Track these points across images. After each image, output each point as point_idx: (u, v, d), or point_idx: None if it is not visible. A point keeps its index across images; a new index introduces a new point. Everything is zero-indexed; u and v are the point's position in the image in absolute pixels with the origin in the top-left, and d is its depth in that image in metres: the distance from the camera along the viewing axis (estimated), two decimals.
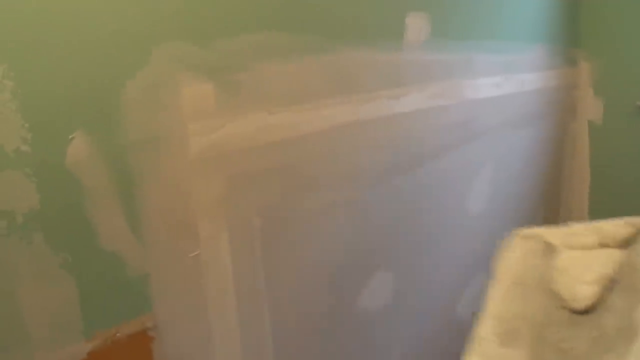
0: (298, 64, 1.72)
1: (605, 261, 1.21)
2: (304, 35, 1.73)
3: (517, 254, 1.42)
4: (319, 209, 1.86)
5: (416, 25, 2.03)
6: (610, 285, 1.18)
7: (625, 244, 1.23)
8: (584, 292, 1.20)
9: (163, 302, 1.52)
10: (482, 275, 2.60)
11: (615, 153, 3.03)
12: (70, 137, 1.30)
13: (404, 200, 2.13)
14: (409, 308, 2.26)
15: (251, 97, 1.63)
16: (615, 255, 1.21)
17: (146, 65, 1.39)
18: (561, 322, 1.23)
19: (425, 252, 2.29)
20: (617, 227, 1.26)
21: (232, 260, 1.65)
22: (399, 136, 2.06)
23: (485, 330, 1.29)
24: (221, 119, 1.56)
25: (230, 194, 1.61)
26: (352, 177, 1.93)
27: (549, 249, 1.36)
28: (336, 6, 1.80)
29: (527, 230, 1.47)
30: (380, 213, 2.06)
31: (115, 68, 1.35)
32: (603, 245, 1.25)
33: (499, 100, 2.46)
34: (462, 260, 2.49)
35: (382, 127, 1.99)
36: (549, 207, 3.03)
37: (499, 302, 1.34)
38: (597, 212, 3.14)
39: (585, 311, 1.20)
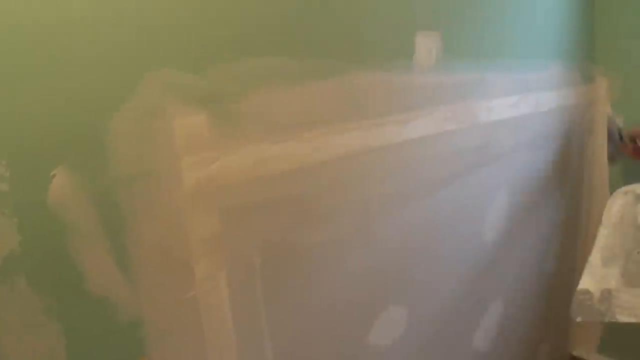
0: (301, 89, 1.63)
1: None
2: (306, 59, 1.64)
3: (618, 203, 1.98)
4: (325, 243, 1.76)
5: (426, 45, 1.94)
6: None
7: None
8: None
9: (158, 348, 1.42)
10: (498, 304, 2.51)
11: (635, 173, 2.94)
12: (51, 173, 1.21)
13: (416, 230, 2.03)
14: (423, 341, 2.16)
15: (250, 126, 1.53)
16: None
17: (135, 95, 1.30)
18: None
19: (440, 283, 2.19)
20: None
21: (230, 301, 1.55)
22: (409, 163, 1.96)
23: (594, 257, 1.86)
24: (217, 150, 1.46)
25: (228, 230, 1.51)
26: (360, 209, 1.84)
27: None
28: (341, 27, 1.72)
29: (624, 188, 2.03)
30: (391, 244, 1.96)
31: (102, 98, 1.25)
32: None
33: (515, 122, 2.37)
34: (478, 289, 2.39)
35: (392, 153, 1.89)
36: (568, 228, 2.93)
37: (604, 238, 1.91)
38: None
39: None
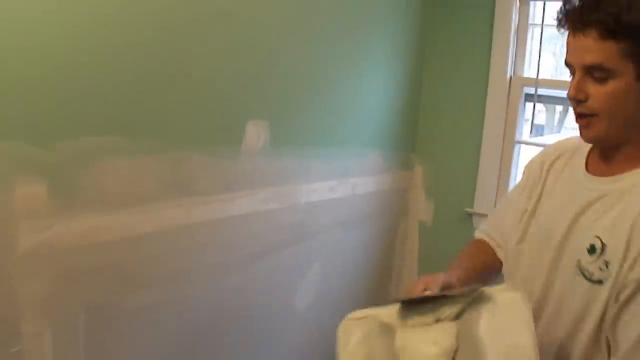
0: (135, 166, 1.77)
1: (445, 334, 1.33)
2: (142, 139, 1.77)
3: (357, 336, 1.43)
4: (145, 307, 1.87)
5: (255, 132, 2.12)
6: (453, 353, 1.30)
7: (457, 317, 1.35)
8: None
9: None
10: None
11: (443, 253, 3.17)
12: None
13: (232, 298, 2.17)
14: None
15: (86, 197, 1.65)
16: (452, 328, 1.33)
17: None
18: None
19: (255, 347, 2.33)
20: (449, 305, 1.36)
21: (54, 357, 1.63)
22: (230, 237, 2.11)
23: None
24: (53, 218, 1.57)
25: (56, 291, 1.60)
26: (179, 276, 1.96)
27: (387, 329, 1.40)
28: (176, 111, 1.87)
29: (359, 312, 1.47)
30: (208, 311, 2.09)
31: None
32: (439, 320, 1.36)
33: (331, 203, 2.58)
34: (293, 351, 2.55)
35: (214, 229, 2.04)
36: (378, 301, 3.13)
37: None
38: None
39: None
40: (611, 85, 1.27)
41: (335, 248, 2.70)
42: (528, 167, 1.65)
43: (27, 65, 1.49)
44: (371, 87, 2.75)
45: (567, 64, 1.35)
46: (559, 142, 1.63)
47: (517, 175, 3.07)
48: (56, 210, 1.58)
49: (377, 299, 3.11)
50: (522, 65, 3.00)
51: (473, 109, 3.05)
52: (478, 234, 1.84)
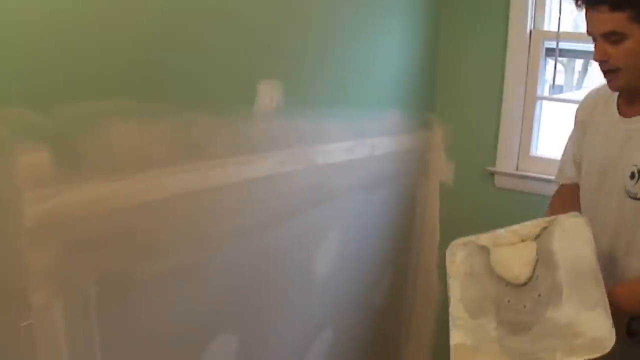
0: (144, 130, 1.71)
1: (528, 249, 1.76)
2: (150, 102, 1.72)
3: (460, 255, 1.87)
4: (161, 275, 1.84)
5: (268, 92, 2.06)
6: (535, 263, 1.73)
7: (537, 236, 1.78)
8: (521, 272, 1.72)
9: None
10: (328, 332, 2.65)
11: (465, 213, 3.16)
12: None
13: (250, 263, 2.14)
14: None
15: (93, 164, 1.60)
16: (533, 245, 1.76)
17: None
18: (510, 293, 1.73)
19: (271, 314, 2.30)
20: (529, 227, 1.81)
21: (66, 330, 1.59)
22: (247, 201, 2.07)
23: (458, 310, 1.75)
24: (59, 187, 1.52)
25: (66, 262, 1.56)
26: (196, 243, 1.93)
27: (483, 249, 1.83)
28: (184, 73, 1.81)
29: (461, 240, 1.91)
30: (226, 276, 2.06)
31: None
32: (523, 240, 1.80)
33: (349, 165, 2.53)
34: (309, 319, 2.52)
35: (230, 193, 2.00)
36: (399, 265, 3.12)
37: (460, 290, 1.80)
38: (446, 269, 3.25)
39: (525, 283, 1.71)
40: (626, 45, 1.65)
41: (355, 211, 2.66)
42: (580, 110, 2.05)
43: (25, 26, 1.43)
44: (387, 44, 2.68)
45: (589, 33, 1.72)
46: (595, 92, 2.02)
47: (539, 131, 3.01)
48: (61, 178, 1.53)
49: (398, 262, 3.09)
50: (542, 18, 2.91)
51: (492, 65, 2.98)
52: (560, 179, 2.17)
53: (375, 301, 2.97)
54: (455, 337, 1.70)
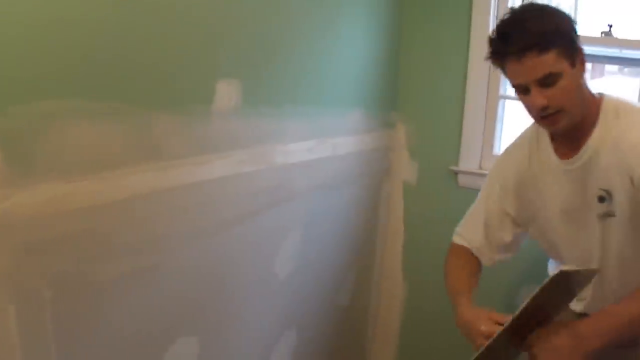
0: (99, 130, 1.67)
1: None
2: (106, 102, 1.67)
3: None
4: (118, 277, 1.79)
5: (226, 92, 2.03)
6: None
7: None
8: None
9: None
10: (292, 333, 2.64)
11: (429, 213, 3.17)
12: None
13: (209, 265, 2.11)
14: None
15: (47, 165, 1.55)
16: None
17: None
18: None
19: (232, 315, 2.27)
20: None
21: (20, 335, 1.53)
22: (205, 202, 2.04)
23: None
24: (11, 188, 1.47)
25: (19, 266, 1.51)
26: (154, 244, 1.88)
27: None
28: (142, 71, 1.77)
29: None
30: (185, 277, 2.02)
31: None
32: None
33: (311, 165, 2.51)
34: (271, 320, 2.50)
35: (188, 193, 1.96)
36: (363, 265, 3.11)
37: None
38: (411, 266, 3.26)
39: None
40: (562, 83, 1.64)
41: (316, 211, 2.63)
42: (502, 171, 2.05)
43: None
44: (348, 42, 2.66)
45: (517, 86, 1.72)
46: (521, 140, 2.02)
47: (502, 131, 3.03)
48: (14, 179, 1.48)
49: (362, 262, 3.08)
50: None
51: (455, 64, 2.99)
52: (457, 240, 2.16)
53: (340, 301, 2.96)
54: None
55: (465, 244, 2.11)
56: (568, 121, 1.70)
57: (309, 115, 2.46)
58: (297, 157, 2.42)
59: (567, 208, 1.86)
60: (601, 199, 1.76)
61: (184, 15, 1.87)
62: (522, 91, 1.70)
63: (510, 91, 2.98)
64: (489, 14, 2.87)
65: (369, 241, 3.12)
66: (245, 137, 2.15)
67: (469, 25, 2.91)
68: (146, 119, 1.79)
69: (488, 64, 2.76)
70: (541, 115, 1.70)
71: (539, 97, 1.65)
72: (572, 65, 1.66)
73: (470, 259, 2.08)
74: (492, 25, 2.86)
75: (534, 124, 1.92)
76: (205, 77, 1.98)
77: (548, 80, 1.63)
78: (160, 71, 1.83)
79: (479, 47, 2.87)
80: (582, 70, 1.72)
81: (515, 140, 2.06)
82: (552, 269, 2.12)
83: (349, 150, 2.77)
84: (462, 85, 2.98)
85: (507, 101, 2.99)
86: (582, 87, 1.73)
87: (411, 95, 3.12)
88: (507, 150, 2.10)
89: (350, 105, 2.75)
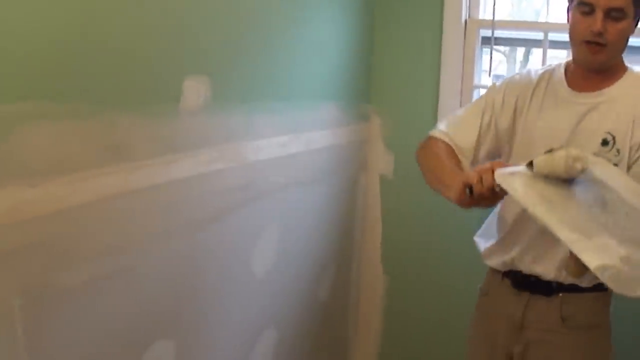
0: (62, 133, 1.62)
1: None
2: (67, 102, 1.62)
3: (518, 182, 1.69)
4: (88, 282, 1.75)
5: (194, 89, 1.99)
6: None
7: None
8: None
9: None
10: (272, 332, 2.61)
11: (406, 205, 3.15)
12: None
13: (182, 266, 2.07)
14: None
15: (7, 170, 1.50)
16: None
17: None
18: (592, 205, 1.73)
19: (208, 316, 2.23)
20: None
21: None
22: (175, 202, 1.99)
23: (566, 234, 1.59)
24: None
25: None
26: (124, 247, 1.84)
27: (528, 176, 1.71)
28: (104, 70, 1.71)
29: (502, 170, 1.71)
30: (157, 280, 1.98)
31: None
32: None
33: (284, 160, 2.48)
34: (250, 319, 2.47)
35: (157, 194, 1.92)
36: (342, 259, 3.09)
37: (551, 214, 1.63)
38: (390, 259, 3.24)
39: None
40: (622, 24, 1.78)
41: (292, 207, 2.60)
42: (509, 88, 2.06)
43: None
44: (319, 35, 2.63)
45: (586, 4, 1.77)
46: (534, 70, 2.09)
47: None
48: None
49: (341, 256, 3.06)
50: (477, 7, 2.92)
51: (429, 54, 2.98)
52: (441, 136, 2.15)
53: (320, 297, 2.94)
54: (591, 260, 1.53)
55: (449, 141, 2.11)
56: (605, 59, 1.84)
57: (281, 111, 2.43)
58: (270, 153, 2.38)
59: (556, 139, 1.87)
60: (605, 142, 1.86)
61: (149, 10, 1.83)
62: (586, 11, 1.79)
63: (485, 81, 3.00)
64: (462, 3, 2.86)
65: (347, 236, 3.09)
66: (215, 134, 2.11)
67: (442, 15, 2.90)
68: (111, 120, 1.75)
69: (462, 53, 2.81)
70: (589, 40, 1.81)
71: (600, 23, 1.76)
72: (635, 17, 1.82)
73: (453, 156, 2.06)
74: (464, 15, 2.85)
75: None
76: (172, 74, 1.93)
77: (616, 15, 1.76)
78: (124, 69, 1.78)
79: (452, 37, 2.87)
80: (634, 30, 1.86)
81: (530, 69, 2.16)
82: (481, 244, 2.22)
83: (324, 144, 2.74)
84: (437, 76, 2.96)
85: (482, 90, 2.97)
86: (627, 42, 1.86)
87: (385, 86, 3.10)
88: (512, 76, 2.14)
89: (323, 99, 2.72)
